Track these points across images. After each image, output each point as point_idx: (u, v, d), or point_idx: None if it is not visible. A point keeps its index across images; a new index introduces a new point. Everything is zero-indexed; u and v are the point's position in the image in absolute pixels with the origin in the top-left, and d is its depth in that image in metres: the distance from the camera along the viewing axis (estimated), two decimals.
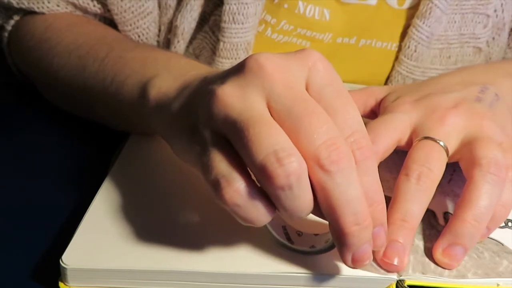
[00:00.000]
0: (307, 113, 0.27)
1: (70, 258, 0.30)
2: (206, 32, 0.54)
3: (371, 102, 0.42)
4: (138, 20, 0.53)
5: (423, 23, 0.52)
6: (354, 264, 0.28)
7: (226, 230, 0.32)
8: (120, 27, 0.53)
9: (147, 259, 0.30)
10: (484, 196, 0.31)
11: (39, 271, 0.32)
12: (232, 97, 0.28)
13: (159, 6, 0.55)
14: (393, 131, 0.36)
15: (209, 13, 0.54)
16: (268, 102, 0.28)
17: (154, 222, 0.33)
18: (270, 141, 0.26)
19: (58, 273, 0.30)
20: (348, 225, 0.27)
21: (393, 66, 0.56)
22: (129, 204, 0.35)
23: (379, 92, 0.42)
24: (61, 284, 0.30)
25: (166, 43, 0.57)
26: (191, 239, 0.31)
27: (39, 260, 0.33)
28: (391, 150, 0.36)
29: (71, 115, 0.49)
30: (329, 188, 0.26)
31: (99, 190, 0.36)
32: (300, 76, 0.29)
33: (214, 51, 0.54)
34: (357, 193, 0.26)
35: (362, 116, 0.41)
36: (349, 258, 0.28)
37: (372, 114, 0.42)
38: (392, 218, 0.31)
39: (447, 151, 0.34)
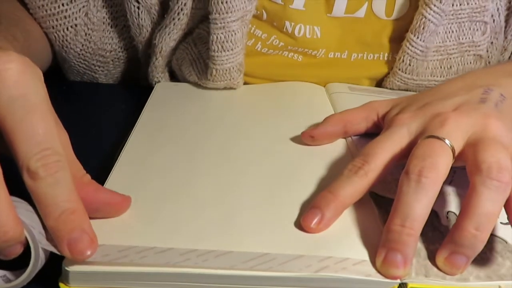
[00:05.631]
0: None
1: (73, 260, 0.30)
2: (188, 44, 0.54)
3: (373, 117, 0.42)
4: (52, 21, 0.54)
5: (417, 37, 0.51)
6: (71, 251, 0.29)
7: (228, 232, 0.32)
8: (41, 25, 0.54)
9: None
10: (484, 203, 0.30)
11: (41, 272, 0.32)
12: None
13: (132, 25, 0.55)
14: (390, 145, 0.35)
15: (193, 27, 0.54)
16: None
17: (156, 224, 0.33)
18: None
19: (59, 273, 0.30)
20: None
21: (388, 75, 0.56)
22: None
23: (381, 106, 0.42)
24: (61, 285, 0.30)
25: (146, 57, 0.57)
26: (193, 240, 0.31)
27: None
28: (393, 165, 0.35)
29: (72, 113, 0.49)
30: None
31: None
32: None
33: (192, 64, 0.54)
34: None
35: (365, 131, 0.42)
36: (64, 248, 0.29)
37: (375, 128, 0.42)
38: (392, 224, 0.31)
39: (453, 150, 0.33)
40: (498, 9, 0.54)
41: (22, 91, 0.29)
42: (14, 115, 0.28)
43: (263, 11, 0.52)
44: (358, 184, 0.34)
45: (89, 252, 0.29)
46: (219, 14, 0.48)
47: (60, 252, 0.29)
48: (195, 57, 0.54)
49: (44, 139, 0.29)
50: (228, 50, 0.50)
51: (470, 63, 0.55)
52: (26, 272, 0.29)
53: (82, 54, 0.57)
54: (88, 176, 0.33)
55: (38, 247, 0.29)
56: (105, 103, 0.58)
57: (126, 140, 0.43)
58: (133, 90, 0.59)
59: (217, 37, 0.49)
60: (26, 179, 0.28)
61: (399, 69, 0.54)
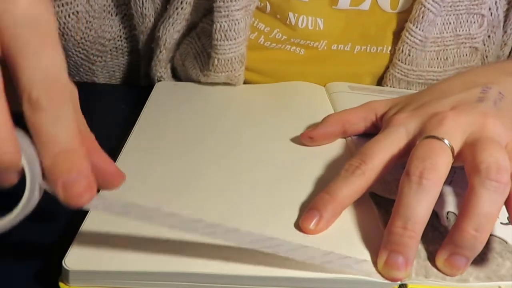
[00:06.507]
0: None
1: (73, 260, 0.30)
2: (192, 38, 0.54)
3: (371, 117, 0.42)
4: (53, 7, 0.53)
5: (416, 27, 0.52)
6: (65, 194, 0.26)
7: None
8: None
9: (149, 260, 0.30)
10: (483, 204, 0.30)
11: (41, 272, 0.32)
12: None
13: (135, 13, 0.55)
14: (388, 145, 0.35)
15: (197, 21, 0.54)
16: None
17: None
18: None
19: (59, 273, 0.30)
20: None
21: (387, 68, 0.56)
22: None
23: (380, 106, 0.42)
24: (61, 284, 0.30)
25: (148, 51, 0.57)
26: (194, 240, 0.31)
27: (40, 260, 0.33)
28: (392, 165, 0.35)
29: None
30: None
31: (100, 191, 0.36)
32: None
33: (196, 57, 0.54)
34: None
35: (364, 131, 0.42)
36: (59, 189, 0.26)
37: (374, 128, 0.42)
38: (393, 226, 0.31)
39: (452, 150, 0.33)
40: (496, 3, 0.54)
41: (34, 15, 0.25)
42: (21, 38, 0.25)
43: (267, 3, 0.52)
44: (355, 183, 0.34)
45: (86, 197, 0.26)
46: (223, 2, 0.48)
47: (55, 193, 0.26)
48: (199, 51, 0.54)
49: (51, 69, 0.25)
50: (230, 40, 0.50)
51: (466, 55, 0.55)
52: (18, 207, 0.27)
53: (82, 43, 0.57)
54: (93, 136, 0.31)
55: (35, 179, 0.26)
56: (105, 103, 0.58)
57: (126, 140, 0.43)
58: (133, 90, 0.59)
59: (220, 26, 0.49)
60: (25, 109, 0.25)
61: (399, 60, 0.54)
